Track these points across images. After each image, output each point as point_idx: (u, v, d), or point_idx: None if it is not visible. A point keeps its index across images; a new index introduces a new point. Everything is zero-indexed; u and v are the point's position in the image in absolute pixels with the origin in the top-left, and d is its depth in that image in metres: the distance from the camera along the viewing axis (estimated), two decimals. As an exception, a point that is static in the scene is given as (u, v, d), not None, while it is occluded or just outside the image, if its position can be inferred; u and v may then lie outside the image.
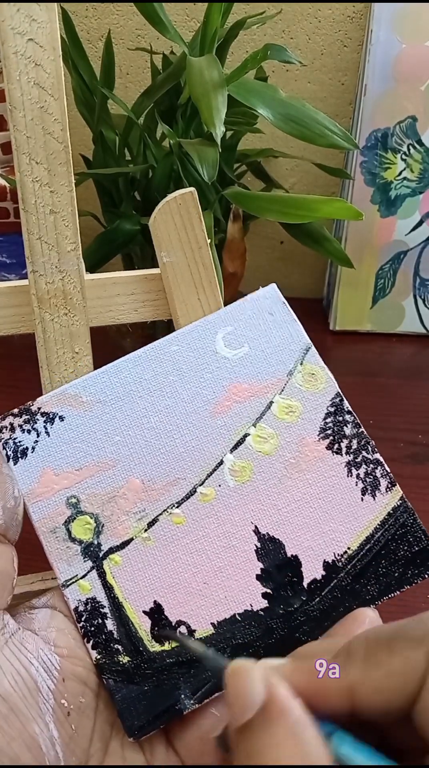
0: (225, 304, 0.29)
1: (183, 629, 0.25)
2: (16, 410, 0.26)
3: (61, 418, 0.26)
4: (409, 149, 0.59)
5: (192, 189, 0.28)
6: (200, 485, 0.26)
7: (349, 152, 0.61)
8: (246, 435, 0.26)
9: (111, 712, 0.24)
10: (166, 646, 0.25)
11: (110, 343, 0.52)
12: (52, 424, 0.26)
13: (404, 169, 0.60)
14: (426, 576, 0.25)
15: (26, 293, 0.29)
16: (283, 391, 0.27)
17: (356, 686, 0.18)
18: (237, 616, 0.25)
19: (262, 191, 0.62)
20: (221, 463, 0.26)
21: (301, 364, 0.27)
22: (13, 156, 0.27)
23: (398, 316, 0.66)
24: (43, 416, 0.26)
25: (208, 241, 0.29)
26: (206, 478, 0.26)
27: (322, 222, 0.47)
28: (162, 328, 0.28)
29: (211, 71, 0.41)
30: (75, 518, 0.25)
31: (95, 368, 0.28)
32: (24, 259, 0.28)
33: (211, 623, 0.25)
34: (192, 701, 0.24)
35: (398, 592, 0.25)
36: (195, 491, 0.26)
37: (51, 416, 0.26)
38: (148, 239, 0.30)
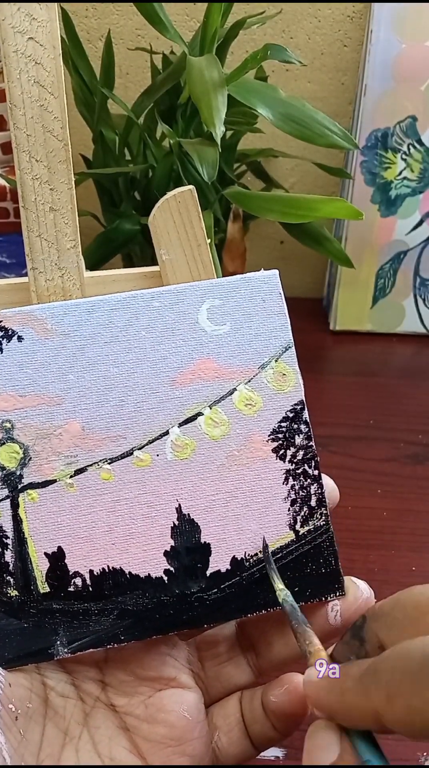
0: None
1: (78, 581, 0.25)
2: None
3: (20, 338, 0.25)
4: (409, 149, 0.59)
5: (191, 186, 0.28)
6: (139, 449, 0.25)
7: (349, 152, 0.61)
8: (199, 414, 0.26)
9: (62, 718, 0.24)
10: (56, 592, 0.25)
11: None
12: (9, 341, 0.25)
13: (404, 168, 0.60)
14: (323, 599, 0.25)
15: (26, 290, 0.29)
16: (249, 381, 0.26)
17: (382, 713, 0.17)
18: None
19: (262, 191, 0.62)
20: (166, 433, 0.25)
21: (276, 360, 0.26)
22: (13, 154, 0.27)
23: (398, 316, 0.66)
24: (1, 330, 0.25)
25: (208, 240, 0.29)
26: (146, 444, 0.25)
27: (322, 222, 0.47)
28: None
29: (211, 71, 0.41)
30: (4, 443, 0.25)
31: None
32: (24, 259, 0.28)
33: (108, 582, 0.25)
34: (66, 650, 0.24)
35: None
36: (131, 453, 0.25)
37: (10, 333, 0.25)
38: (148, 239, 0.30)
